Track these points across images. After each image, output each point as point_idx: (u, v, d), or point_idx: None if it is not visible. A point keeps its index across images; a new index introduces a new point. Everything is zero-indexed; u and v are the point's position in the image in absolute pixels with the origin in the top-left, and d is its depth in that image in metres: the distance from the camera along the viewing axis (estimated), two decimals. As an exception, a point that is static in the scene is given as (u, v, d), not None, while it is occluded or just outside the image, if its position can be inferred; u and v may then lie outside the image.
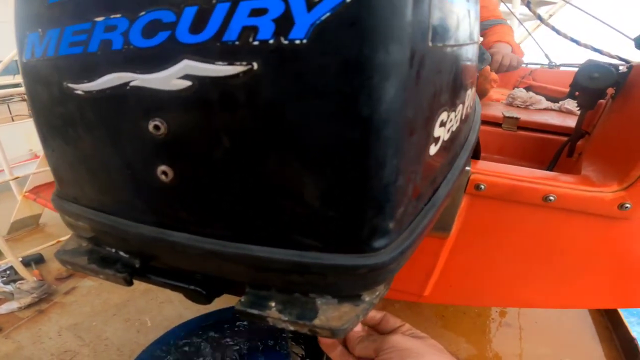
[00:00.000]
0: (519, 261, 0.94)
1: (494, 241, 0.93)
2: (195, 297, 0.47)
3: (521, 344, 1.80)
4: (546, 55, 2.92)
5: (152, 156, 0.39)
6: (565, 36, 1.33)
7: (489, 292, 1.06)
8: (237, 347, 1.55)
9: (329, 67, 0.30)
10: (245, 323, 1.59)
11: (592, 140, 1.20)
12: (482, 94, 2.00)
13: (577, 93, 1.17)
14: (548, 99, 1.99)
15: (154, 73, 0.35)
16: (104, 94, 0.38)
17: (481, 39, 1.96)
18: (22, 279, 2.10)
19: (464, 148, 0.61)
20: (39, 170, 2.16)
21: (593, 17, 1.58)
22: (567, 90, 1.19)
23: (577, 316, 1.98)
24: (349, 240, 0.37)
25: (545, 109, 1.91)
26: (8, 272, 2.18)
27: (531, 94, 1.99)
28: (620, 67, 1.10)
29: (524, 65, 3.12)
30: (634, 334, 1.73)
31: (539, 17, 1.40)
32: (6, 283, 2.07)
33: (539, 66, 3.04)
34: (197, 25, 0.32)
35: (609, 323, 1.91)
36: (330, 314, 0.39)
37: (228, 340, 1.56)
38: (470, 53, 0.52)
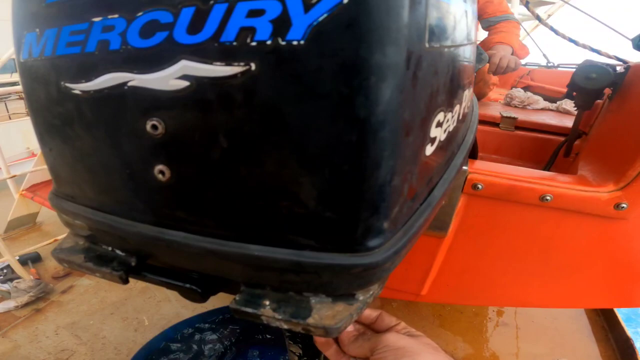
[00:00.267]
0: (516, 261, 0.95)
1: (491, 241, 0.94)
2: (191, 296, 0.47)
3: (518, 343, 1.81)
4: (544, 55, 2.93)
5: (150, 155, 0.39)
6: (563, 36, 1.33)
7: (486, 291, 1.06)
8: (234, 346, 1.55)
9: (326, 68, 0.30)
10: (241, 322, 1.60)
11: (589, 141, 1.20)
12: (480, 96, 2.00)
13: (574, 93, 1.17)
14: (546, 99, 2.00)
15: (152, 73, 0.35)
16: (101, 93, 0.38)
17: (480, 38, 1.96)
18: (19, 277, 2.09)
19: (461, 148, 0.61)
20: (36, 169, 2.16)
21: (591, 17, 1.58)
22: (565, 90, 1.19)
23: (573, 316, 1.99)
24: (343, 240, 0.37)
25: (543, 109, 1.92)
26: (5, 270, 2.17)
27: (529, 94, 1.99)
28: (618, 68, 1.10)
29: (522, 65, 3.14)
30: (629, 333, 1.74)
31: (538, 17, 1.40)
32: (3, 282, 2.06)
33: (537, 66, 3.05)
34: (195, 26, 0.32)
35: (605, 323, 1.92)
36: (324, 312, 0.39)
37: (225, 338, 1.57)
38: (467, 53, 0.52)
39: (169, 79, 0.34)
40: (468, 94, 0.59)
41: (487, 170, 0.83)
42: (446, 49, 0.41)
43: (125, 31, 0.35)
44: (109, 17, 0.36)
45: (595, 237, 0.86)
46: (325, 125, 0.32)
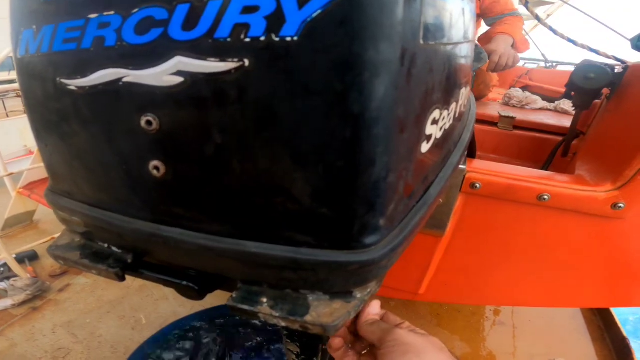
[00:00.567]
0: (513, 260, 0.95)
1: (488, 240, 0.94)
2: (188, 293, 0.47)
3: (515, 343, 1.81)
4: (543, 55, 2.94)
5: (144, 151, 0.39)
6: (562, 36, 1.33)
7: (483, 290, 1.06)
8: (233, 345, 1.55)
9: (320, 65, 0.30)
10: (238, 319, 1.60)
11: (586, 140, 1.20)
12: (480, 97, 2.01)
13: (572, 93, 1.17)
14: (544, 98, 2.00)
15: (147, 69, 0.35)
16: (96, 89, 0.38)
17: (482, 32, 1.96)
18: (15, 276, 2.08)
19: (457, 146, 0.61)
20: (34, 167, 2.15)
21: (590, 17, 1.58)
22: (564, 90, 1.20)
23: (570, 315, 1.99)
24: (340, 237, 0.37)
25: (541, 109, 1.92)
26: (2, 269, 2.17)
27: (527, 93, 1.99)
28: (616, 68, 1.10)
29: (521, 65, 3.14)
30: (625, 333, 1.74)
31: (537, 17, 1.40)
32: (0, 280, 2.06)
33: (535, 66, 3.05)
34: (190, 23, 0.32)
35: (602, 322, 1.93)
36: (321, 310, 0.39)
37: (223, 337, 1.57)
38: (464, 52, 0.52)
39: (163, 75, 0.34)
40: (465, 93, 0.59)
41: (485, 170, 0.83)
42: (442, 47, 0.41)
43: (120, 28, 0.35)
44: (105, 14, 0.36)
45: (593, 237, 0.86)
46: (319, 122, 0.32)
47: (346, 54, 0.29)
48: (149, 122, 0.36)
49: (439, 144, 0.48)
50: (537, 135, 1.58)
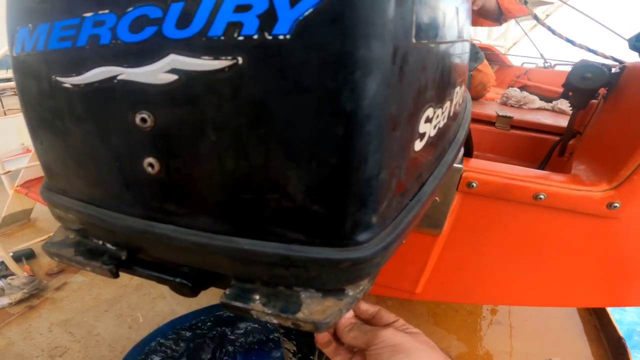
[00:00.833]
0: (510, 259, 0.95)
1: (485, 239, 0.94)
2: (182, 290, 0.47)
3: (511, 342, 1.82)
4: (541, 55, 2.94)
5: (139, 148, 0.39)
6: (560, 36, 1.34)
7: (480, 289, 1.07)
8: (231, 343, 1.55)
9: (312, 62, 0.30)
10: (235, 318, 1.60)
11: (583, 140, 1.21)
12: (477, 97, 2.01)
13: (570, 93, 1.18)
14: (542, 98, 2.01)
15: (141, 67, 0.35)
16: (91, 87, 0.38)
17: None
18: (12, 274, 2.09)
19: (452, 144, 0.61)
20: (31, 165, 2.15)
21: (589, 17, 1.59)
22: (561, 90, 1.20)
23: (566, 315, 2.00)
24: (332, 234, 0.37)
25: (539, 109, 1.93)
26: (-1, 267, 2.17)
27: (525, 93, 2.00)
28: (613, 68, 1.11)
29: (519, 64, 3.15)
30: (621, 332, 1.75)
31: (536, 17, 1.41)
32: (-3, 278, 2.06)
33: (534, 66, 3.06)
34: (184, 21, 0.32)
35: (597, 322, 1.94)
36: (313, 307, 0.40)
37: (221, 335, 1.57)
38: (459, 51, 0.52)
39: (158, 72, 0.34)
40: (460, 92, 0.59)
41: (481, 169, 0.83)
42: (435, 46, 0.41)
43: (115, 26, 0.35)
44: (100, 12, 0.36)
45: (588, 236, 0.86)
46: (312, 119, 0.32)
47: (338, 52, 0.30)
48: (143, 120, 0.37)
49: (433, 142, 0.48)
50: (534, 134, 1.59)
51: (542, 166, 1.40)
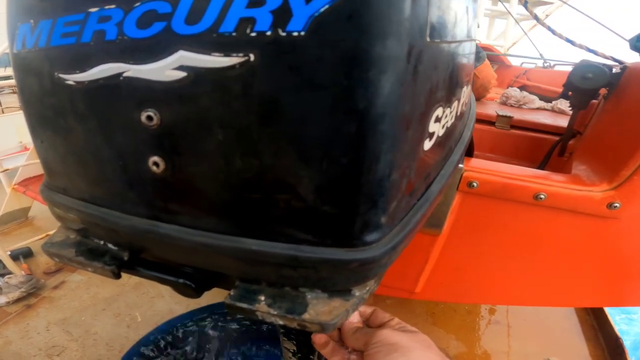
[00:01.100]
0: (509, 259, 0.95)
1: (485, 239, 0.94)
2: (185, 291, 0.46)
3: (509, 342, 1.82)
4: (541, 55, 2.94)
5: (144, 147, 0.38)
6: (560, 36, 1.34)
7: (479, 289, 1.07)
8: (230, 342, 1.55)
9: (326, 60, 0.30)
10: (235, 317, 1.59)
11: (583, 140, 1.21)
12: (478, 98, 2.01)
13: (570, 93, 1.18)
14: (541, 98, 2.01)
15: (148, 64, 0.34)
16: (96, 84, 0.38)
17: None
18: (10, 273, 2.07)
19: (458, 144, 0.61)
20: (29, 163, 2.13)
21: (589, 17, 1.59)
22: (561, 90, 1.20)
23: (564, 315, 2.01)
24: (342, 234, 0.37)
25: (538, 109, 1.93)
26: (-4, 266, 2.15)
27: (525, 93, 2.00)
28: (614, 68, 1.11)
29: (519, 64, 3.16)
30: (618, 332, 1.76)
31: (536, 17, 1.41)
32: (-6, 277, 2.04)
33: (533, 65, 3.06)
34: (194, 16, 0.32)
35: (595, 322, 1.94)
36: (320, 308, 0.39)
37: (220, 335, 1.56)
38: (467, 50, 0.52)
39: (165, 69, 0.34)
40: (466, 91, 0.59)
41: (482, 168, 0.83)
42: (447, 45, 0.41)
43: (122, 21, 0.35)
44: (106, 7, 0.35)
45: (588, 236, 0.86)
46: (325, 117, 0.31)
47: (353, 49, 0.29)
48: (149, 118, 0.36)
49: (441, 142, 0.48)
50: (534, 134, 1.59)
51: (542, 166, 1.40)
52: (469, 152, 0.93)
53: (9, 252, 2.12)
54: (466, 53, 0.51)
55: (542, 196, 0.80)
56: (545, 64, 2.93)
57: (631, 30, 1.10)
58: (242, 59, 0.31)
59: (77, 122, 0.42)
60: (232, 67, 0.31)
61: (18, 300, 1.92)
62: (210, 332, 1.57)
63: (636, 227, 0.82)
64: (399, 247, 0.41)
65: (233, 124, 0.34)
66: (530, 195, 0.81)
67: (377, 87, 0.30)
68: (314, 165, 0.33)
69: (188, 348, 1.49)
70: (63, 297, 1.99)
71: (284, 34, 0.29)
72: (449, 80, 0.44)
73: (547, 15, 4.49)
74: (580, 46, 1.28)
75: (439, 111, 0.43)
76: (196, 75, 0.33)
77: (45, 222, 2.77)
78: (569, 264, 0.92)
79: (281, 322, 0.40)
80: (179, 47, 0.33)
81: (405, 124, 0.34)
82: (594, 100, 1.22)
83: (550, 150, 1.39)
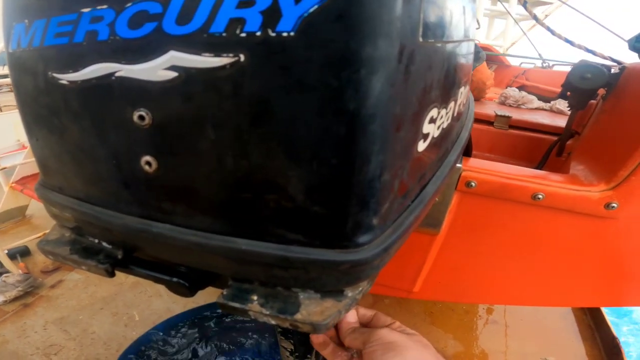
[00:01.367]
0: (507, 259, 0.95)
1: (483, 238, 0.94)
2: (178, 290, 0.46)
3: (507, 341, 1.82)
4: (540, 55, 2.94)
5: (136, 146, 0.38)
6: (559, 37, 1.34)
7: (477, 289, 1.07)
8: (228, 342, 1.55)
9: (316, 60, 0.29)
10: (232, 317, 1.59)
11: (581, 140, 1.21)
12: (476, 98, 2.01)
13: (568, 93, 1.18)
14: (540, 98, 2.01)
15: (140, 64, 0.34)
16: (89, 84, 0.38)
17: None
18: (7, 272, 2.07)
19: (455, 145, 0.61)
20: (27, 161, 2.13)
21: (588, 17, 1.59)
22: (559, 90, 1.20)
23: (561, 315, 2.01)
24: (332, 235, 0.37)
25: (537, 109, 1.93)
26: (-7, 264, 2.15)
27: (523, 93, 2.00)
28: (613, 69, 1.11)
29: (518, 64, 3.15)
30: (615, 332, 1.76)
31: (535, 17, 1.40)
32: (-9, 276, 2.04)
33: (532, 66, 3.06)
34: (184, 17, 0.31)
35: (592, 322, 1.95)
36: (312, 308, 0.39)
37: (218, 334, 1.56)
38: (464, 50, 0.52)
39: (157, 69, 0.34)
40: (464, 92, 0.58)
41: (480, 168, 0.83)
42: (442, 45, 0.41)
43: (114, 22, 0.35)
44: (98, 8, 0.35)
45: (586, 236, 0.86)
46: (314, 118, 0.31)
47: (343, 49, 0.29)
48: (141, 117, 0.36)
49: (437, 143, 0.48)
50: (533, 134, 1.59)
51: (540, 166, 1.40)
52: (467, 152, 0.93)
53: (6, 251, 2.12)
54: (463, 53, 0.51)
55: (540, 196, 0.80)
56: (544, 64, 2.93)
57: (630, 30, 1.10)
58: (232, 60, 0.31)
59: (71, 121, 0.42)
60: (222, 68, 0.31)
61: (15, 299, 1.92)
62: (209, 331, 1.57)
63: (634, 227, 0.82)
64: (392, 248, 0.41)
65: (223, 124, 0.34)
66: (528, 195, 0.81)
67: (367, 87, 0.30)
68: (304, 166, 0.33)
69: (186, 348, 1.49)
70: (60, 296, 1.99)
71: (273, 34, 0.29)
72: (444, 81, 0.44)
73: (546, 16, 4.49)
74: (579, 46, 1.28)
75: (433, 112, 0.42)
76: (187, 75, 0.33)
77: (43, 221, 2.77)
78: (566, 264, 0.92)
79: (273, 322, 0.40)
80: (170, 48, 0.32)
81: (396, 125, 0.34)
82: (592, 101, 1.22)
83: (548, 150, 1.40)
